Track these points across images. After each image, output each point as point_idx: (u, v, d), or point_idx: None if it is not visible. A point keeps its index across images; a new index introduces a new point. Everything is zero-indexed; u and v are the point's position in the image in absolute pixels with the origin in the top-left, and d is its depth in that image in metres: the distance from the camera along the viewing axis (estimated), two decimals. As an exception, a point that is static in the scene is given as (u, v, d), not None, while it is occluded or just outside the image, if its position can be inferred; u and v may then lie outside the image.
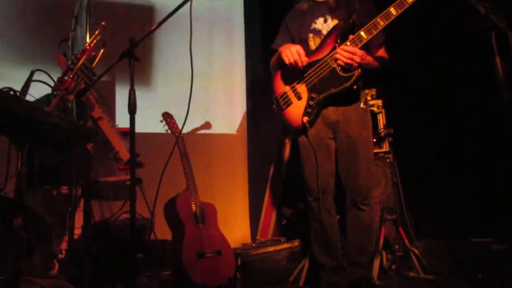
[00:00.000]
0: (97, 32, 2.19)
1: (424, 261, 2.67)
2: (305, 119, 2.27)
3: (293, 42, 2.48)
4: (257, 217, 3.62)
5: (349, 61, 2.20)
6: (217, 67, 4.00)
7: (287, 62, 2.29)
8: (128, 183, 2.58)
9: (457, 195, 3.04)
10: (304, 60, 2.27)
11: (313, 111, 2.28)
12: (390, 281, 2.61)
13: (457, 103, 3.12)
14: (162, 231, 2.77)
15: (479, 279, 2.34)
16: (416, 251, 2.71)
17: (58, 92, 1.90)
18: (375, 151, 3.04)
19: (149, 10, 3.67)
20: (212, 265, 2.61)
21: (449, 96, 3.15)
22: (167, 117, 2.94)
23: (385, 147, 3.05)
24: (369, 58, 2.29)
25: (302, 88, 2.32)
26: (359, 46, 2.22)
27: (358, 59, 2.20)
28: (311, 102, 2.28)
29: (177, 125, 2.93)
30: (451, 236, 2.81)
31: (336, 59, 2.24)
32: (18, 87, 1.91)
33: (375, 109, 3.12)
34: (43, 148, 2.10)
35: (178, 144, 2.80)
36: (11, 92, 1.65)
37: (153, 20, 3.64)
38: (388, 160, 3.00)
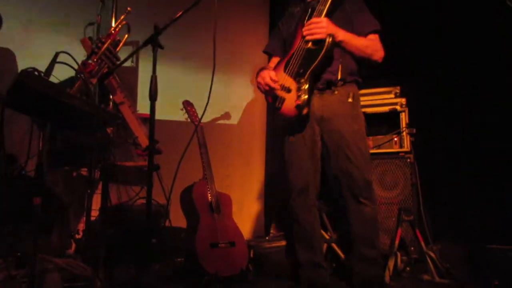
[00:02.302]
0: (122, 17, 2.20)
1: (440, 265, 2.62)
2: (297, 102, 2.22)
3: (285, 44, 2.50)
4: (272, 209, 3.62)
5: (314, 30, 2.19)
6: (238, 58, 3.98)
7: (262, 91, 2.36)
8: (145, 169, 2.60)
9: (479, 199, 2.97)
10: (276, 81, 2.29)
11: (304, 93, 2.22)
12: (403, 283, 2.57)
13: (484, 102, 3.03)
14: (177, 218, 2.79)
15: (495, 286, 2.28)
16: (432, 255, 2.66)
17: (82, 75, 1.92)
18: (396, 150, 3.00)
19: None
20: (225, 255, 2.62)
21: (475, 95, 3.06)
22: (188, 105, 2.94)
23: (406, 147, 2.99)
24: (342, 32, 2.22)
25: (288, 82, 2.30)
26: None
27: (324, 24, 2.18)
28: (299, 85, 2.24)
29: (197, 114, 2.93)
30: (469, 241, 2.74)
31: (305, 39, 2.23)
32: (42, 68, 1.94)
33: (398, 107, 3.06)
34: (64, 129, 2.13)
35: (197, 133, 2.81)
36: (36, 73, 1.67)
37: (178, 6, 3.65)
38: (408, 160, 2.94)
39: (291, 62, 2.30)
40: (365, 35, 2.33)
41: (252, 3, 4.18)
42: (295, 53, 2.30)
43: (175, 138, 2.94)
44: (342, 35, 2.23)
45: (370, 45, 2.31)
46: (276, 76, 2.31)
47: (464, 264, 2.62)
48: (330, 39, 2.17)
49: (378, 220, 2.39)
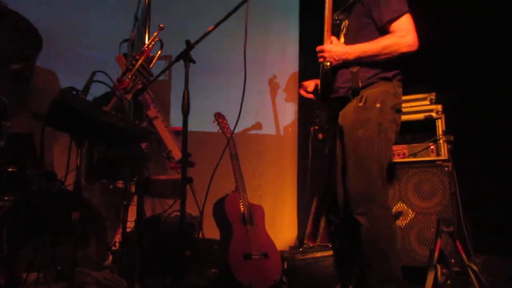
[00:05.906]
0: (155, 34, 2.25)
1: (483, 278, 2.50)
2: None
3: None
4: (305, 220, 3.57)
5: (321, 59, 2.12)
6: (270, 69, 3.99)
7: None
8: (179, 182, 2.63)
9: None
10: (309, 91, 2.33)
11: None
12: (444, 297, 2.47)
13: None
14: (210, 230, 2.80)
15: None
16: (474, 267, 2.54)
17: (117, 92, 1.97)
18: (433, 158, 2.90)
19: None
20: (258, 267, 2.61)
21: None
22: (219, 117, 2.96)
23: (444, 155, 2.89)
24: (352, 51, 2.07)
25: None
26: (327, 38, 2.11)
27: (325, 54, 2.09)
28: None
29: (228, 126, 2.95)
30: (513, 253, 2.62)
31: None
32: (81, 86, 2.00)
33: (434, 114, 2.96)
34: (101, 145, 2.19)
35: (229, 145, 2.82)
36: (74, 92, 1.72)
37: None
38: (446, 168, 2.84)
39: None
40: (384, 29, 2.07)
41: (281, 14, 4.18)
42: None
43: (207, 149, 2.97)
44: (354, 54, 2.07)
45: (391, 43, 2.03)
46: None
47: (509, 278, 2.50)
48: (328, 64, 2.10)
49: (379, 240, 2.00)
